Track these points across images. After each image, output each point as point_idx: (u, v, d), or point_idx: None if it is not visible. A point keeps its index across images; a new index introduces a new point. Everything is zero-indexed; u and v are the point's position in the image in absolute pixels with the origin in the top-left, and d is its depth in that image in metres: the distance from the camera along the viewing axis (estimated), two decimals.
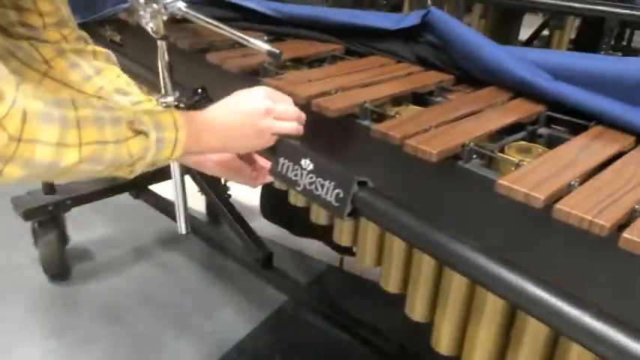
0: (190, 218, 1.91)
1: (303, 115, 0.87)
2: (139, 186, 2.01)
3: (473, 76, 1.06)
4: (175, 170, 1.07)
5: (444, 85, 1.05)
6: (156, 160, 0.73)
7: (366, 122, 0.90)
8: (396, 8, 4.15)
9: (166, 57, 0.98)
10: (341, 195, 0.76)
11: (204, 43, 1.19)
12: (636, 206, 0.63)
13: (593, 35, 2.74)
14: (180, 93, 1.02)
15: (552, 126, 0.92)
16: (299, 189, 0.82)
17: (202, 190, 1.74)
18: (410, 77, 1.08)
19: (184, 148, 0.75)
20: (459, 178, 0.78)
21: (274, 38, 1.30)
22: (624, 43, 3.63)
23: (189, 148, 0.76)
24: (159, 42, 0.97)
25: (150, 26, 0.93)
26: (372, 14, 1.26)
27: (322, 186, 0.78)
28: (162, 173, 1.99)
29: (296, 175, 0.82)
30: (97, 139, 0.65)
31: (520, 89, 0.97)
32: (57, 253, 1.79)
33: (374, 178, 0.78)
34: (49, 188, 1.74)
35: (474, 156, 0.78)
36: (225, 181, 2.18)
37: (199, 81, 1.11)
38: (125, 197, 2.08)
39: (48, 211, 1.71)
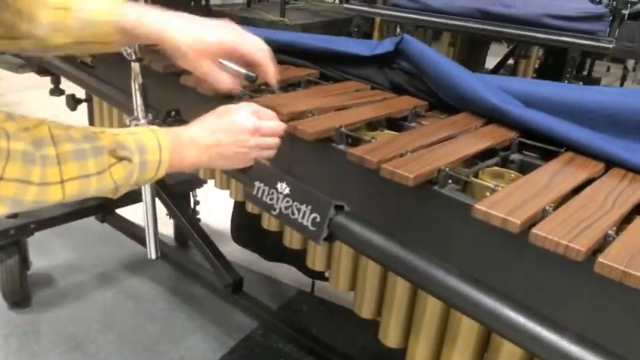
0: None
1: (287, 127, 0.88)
2: (106, 209, 1.96)
3: (446, 102, 1.08)
4: (146, 194, 1.04)
5: (417, 111, 1.06)
6: (140, 181, 0.74)
7: (341, 146, 0.90)
8: (367, 36, 4.23)
9: (140, 79, 0.97)
10: (317, 219, 0.75)
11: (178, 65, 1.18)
12: (609, 231, 0.64)
13: (556, 65, 2.84)
14: (153, 115, 1.01)
15: (524, 152, 0.94)
16: (275, 213, 0.81)
17: (171, 213, 1.71)
18: (384, 102, 1.09)
19: (168, 168, 0.75)
20: (435, 203, 0.79)
21: None
22: (585, 72, 3.76)
23: (173, 167, 0.76)
24: (133, 64, 0.96)
25: (124, 48, 0.92)
26: (347, 40, 1.28)
27: (298, 210, 0.78)
28: (129, 197, 1.96)
29: (272, 199, 0.81)
30: (79, 174, 0.65)
31: (492, 115, 0.99)
32: (18, 279, 1.73)
33: (350, 202, 0.78)
34: None
35: (450, 181, 0.79)
36: (195, 204, 2.16)
37: (173, 103, 1.10)
38: (91, 220, 2.03)
39: (10, 235, 1.65)
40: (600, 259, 0.58)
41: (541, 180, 0.77)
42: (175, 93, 1.15)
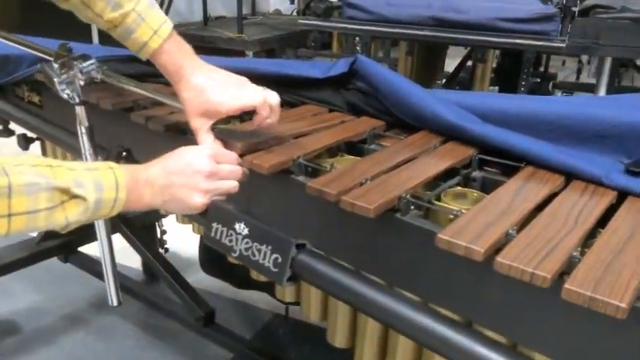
0: (124, 278, 1.82)
1: (247, 171, 0.85)
2: (68, 248, 1.90)
3: (404, 120, 1.07)
4: (103, 239, 1.00)
5: (376, 132, 1.04)
6: (93, 218, 0.72)
7: (301, 178, 0.87)
8: (325, 47, 4.23)
9: (86, 122, 0.93)
10: (279, 260, 0.73)
11: (128, 102, 1.14)
12: (574, 253, 0.63)
13: (513, 65, 2.88)
14: (104, 157, 0.97)
15: (485, 168, 0.93)
16: (235, 255, 0.78)
17: (135, 248, 1.66)
18: (342, 126, 1.07)
19: (123, 208, 0.73)
20: (398, 231, 0.77)
21: None
22: (542, 69, 3.82)
23: (128, 207, 0.74)
24: (77, 108, 0.92)
25: (66, 93, 0.88)
26: (300, 63, 1.26)
27: (259, 251, 0.75)
28: (93, 233, 1.90)
29: (231, 241, 0.78)
30: (28, 209, 0.63)
31: (450, 133, 0.98)
32: None
33: (314, 236, 0.76)
34: None
35: (412, 207, 0.77)
36: (162, 234, 2.10)
37: (125, 141, 1.06)
38: (53, 260, 1.96)
39: None
40: (567, 285, 0.57)
41: (503, 200, 0.76)
42: (127, 130, 1.11)
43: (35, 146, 1.74)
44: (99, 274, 1.86)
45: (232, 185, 0.81)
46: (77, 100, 0.90)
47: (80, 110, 0.92)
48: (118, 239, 1.86)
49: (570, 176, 0.84)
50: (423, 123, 1.02)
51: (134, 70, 1.26)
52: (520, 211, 0.73)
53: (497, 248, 0.64)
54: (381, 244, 0.80)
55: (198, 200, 0.78)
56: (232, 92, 0.89)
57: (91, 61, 0.91)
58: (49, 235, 1.82)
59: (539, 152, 0.87)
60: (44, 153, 1.67)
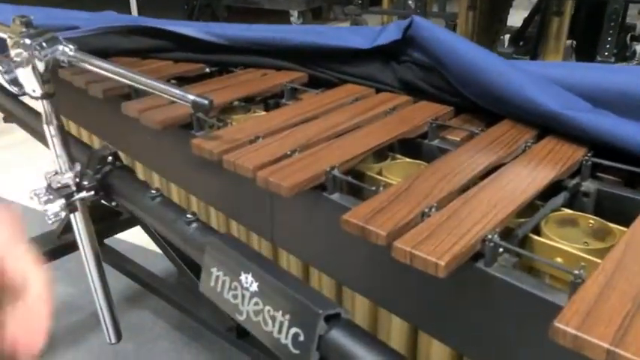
0: (158, 282, 1.65)
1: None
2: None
3: (477, 104, 0.79)
4: (93, 276, 0.80)
5: (439, 122, 0.77)
6: None
7: (336, 196, 0.62)
8: (374, 3, 3.89)
9: (55, 121, 0.70)
10: (300, 338, 0.49)
11: (123, 88, 0.90)
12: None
13: (591, 17, 2.48)
14: (83, 165, 0.75)
15: (599, 175, 0.65)
16: (241, 319, 0.55)
17: (168, 257, 1.47)
18: (394, 115, 0.80)
19: None
20: (481, 286, 0.51)
21: (220, 69, 1.02)
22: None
23: None
24: (43, 102, 0.69)
25: (22, 84, 0.65)
26: (341, 30, 0.99)
27: (273, 319, 0.51)
28: (119, 224, 1.72)
29: (235, 297, 0.55)
30: None
31: (548, 124, 0.70)
32: None
33: (354, 276, 0.52)
34: None
35: (500, 250, 0.51)
36: None
37: (114, 141, 0.84)
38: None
39: None
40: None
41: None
42: (117, 126, 0.88)
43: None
44: (124, 271, 1.70)
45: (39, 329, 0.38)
46: (39, 92, 0.67)
47: (46, 106, 0.69)
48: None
49: None
50: (505, 109, 0.75)
51: (135, 44, 1.03)
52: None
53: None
54: (454, 302, 0.55)
55: None
56: None
57: (60, 44, 0.68)
58: (70, 227, 1.65)
59: None
60: None
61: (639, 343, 0.36)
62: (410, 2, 3.81)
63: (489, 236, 0.49)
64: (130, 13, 3.78)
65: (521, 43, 3.16)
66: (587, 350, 0.37)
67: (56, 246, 1.67)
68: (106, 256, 1.74)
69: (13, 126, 1.38)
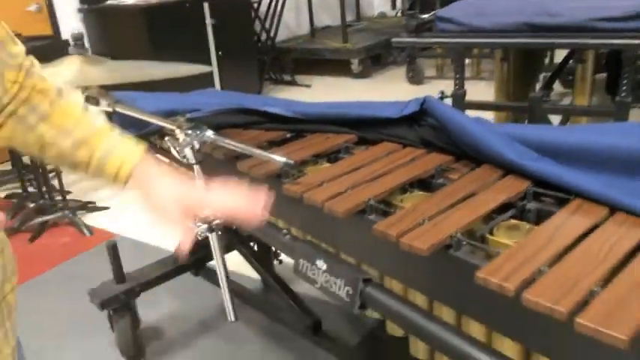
0: (245, 290, 2.09)
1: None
2: (199, 264, 2.20)
3: (468, 153, 1.19)
4: (219, 263, 1.20)
5: (443, 167, 1.17)
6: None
7: (372, 217, 1.03)
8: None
9: (202, 178, 1.15)
10: (350, 292, 0.90)
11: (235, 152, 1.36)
12: (594, 288, 0.73)
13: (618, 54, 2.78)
14: None
15: (541, 199, 1.03)
16: (317, 286, 0.96)
17: (249, 262, 1.90)
18: (414, 163, 1.21)
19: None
20: (451, 265, 0.90)
21: (296, 135, 1.47)
22: None
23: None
24: (195, 167, 1.14)
25: (181, 155, 1.11)
26: (378, 104, 1.41)
27: (335, 284, 0.92)
28: None
29: (314, 274, 0.97)
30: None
31: (509, 167, 1.09)
32: (131, 336, 1.99)
33: (384, 266, 0.91)
34: (120, 278, 1.95)
35: (464, 243, 0.90)
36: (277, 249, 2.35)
37: None
38: (187, 275, 2.28)
39: (120, 300, 1.92)
40: (578, 319, 0.68)
41: (542, 236, 0.87)
42: (233, 177, 1.33)
43: None
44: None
45: None
46: (194, 160, 1.13)
47: (197, 169, 1.14)
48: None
49: (615, 209, 0.92)
50: (484, 158, 1.14)
51: (240, 119, 1.49)
52: (556, 246, 0.83)
53: (528, 283, 0.76)
54: (439, 275, 0.94)
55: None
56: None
57: (206, 131, 1.13)
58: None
59: (587, 186, 0.96)
60: None
61: (536, 285, 0.75)
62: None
63: (454, 234, 0.89)
64: (213, 72, 4.34)
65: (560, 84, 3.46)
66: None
67: (172, 268, 2.12)
68: (207, 275, 2.21)
69: None
